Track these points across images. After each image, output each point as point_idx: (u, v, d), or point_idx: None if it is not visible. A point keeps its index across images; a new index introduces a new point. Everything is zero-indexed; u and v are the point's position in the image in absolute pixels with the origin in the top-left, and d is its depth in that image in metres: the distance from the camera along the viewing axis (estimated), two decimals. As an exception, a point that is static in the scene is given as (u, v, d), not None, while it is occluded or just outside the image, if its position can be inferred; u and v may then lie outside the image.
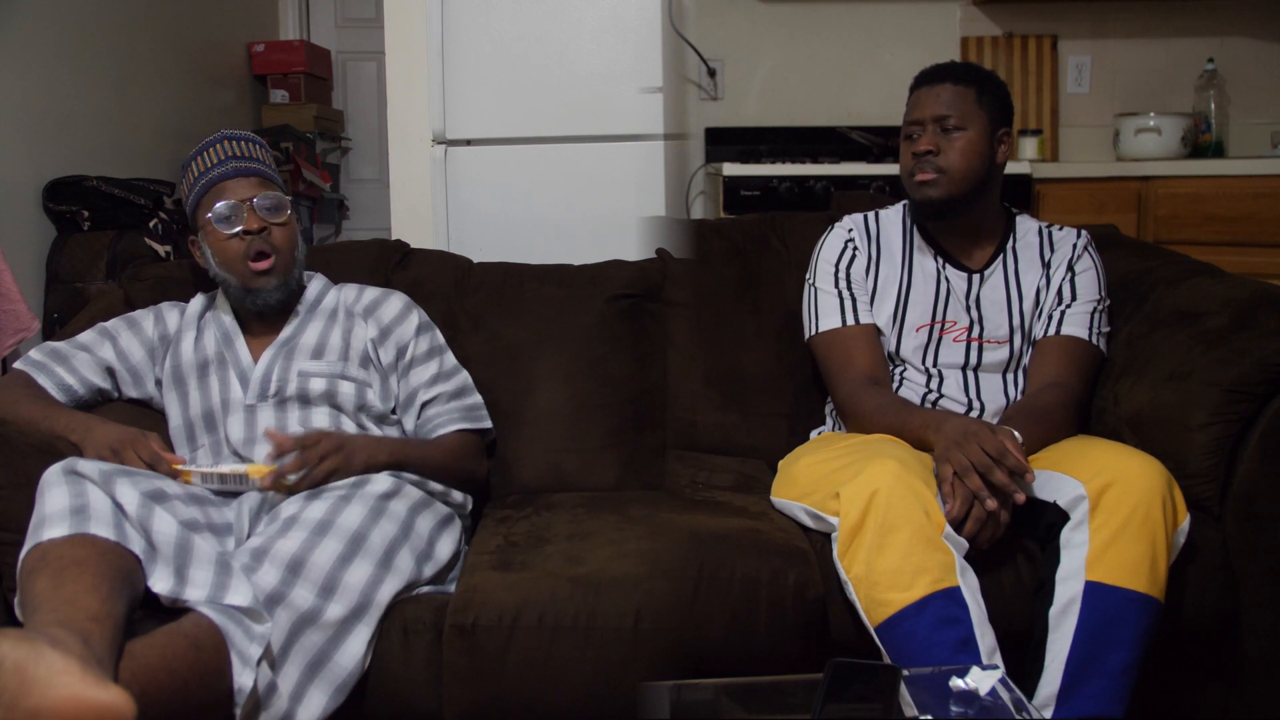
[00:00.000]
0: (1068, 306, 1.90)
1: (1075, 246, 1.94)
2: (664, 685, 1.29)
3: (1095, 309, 1.90)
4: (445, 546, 1.72)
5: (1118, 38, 3.59)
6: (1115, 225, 2.39)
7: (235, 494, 1.69)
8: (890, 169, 3.09)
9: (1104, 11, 3.57)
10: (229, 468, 1.68)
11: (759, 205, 3.06)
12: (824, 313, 1.96)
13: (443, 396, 1.92)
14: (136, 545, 1.42)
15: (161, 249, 3.08)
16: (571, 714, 1.55)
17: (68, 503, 1.42)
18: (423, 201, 2.78)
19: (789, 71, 3.60)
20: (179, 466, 1.67)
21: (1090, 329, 1.89)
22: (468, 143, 2.75)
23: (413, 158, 2.80)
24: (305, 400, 1.83)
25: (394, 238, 2.34)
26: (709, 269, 2.22)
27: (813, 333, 1.98)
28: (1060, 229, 1.99)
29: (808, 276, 2.02)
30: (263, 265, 1.83)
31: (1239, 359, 1.71)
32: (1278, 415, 1.67)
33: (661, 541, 1.66)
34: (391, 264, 2.18)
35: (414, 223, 2.78)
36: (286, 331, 1.90)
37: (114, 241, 3.01)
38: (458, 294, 2.15)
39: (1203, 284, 1.94)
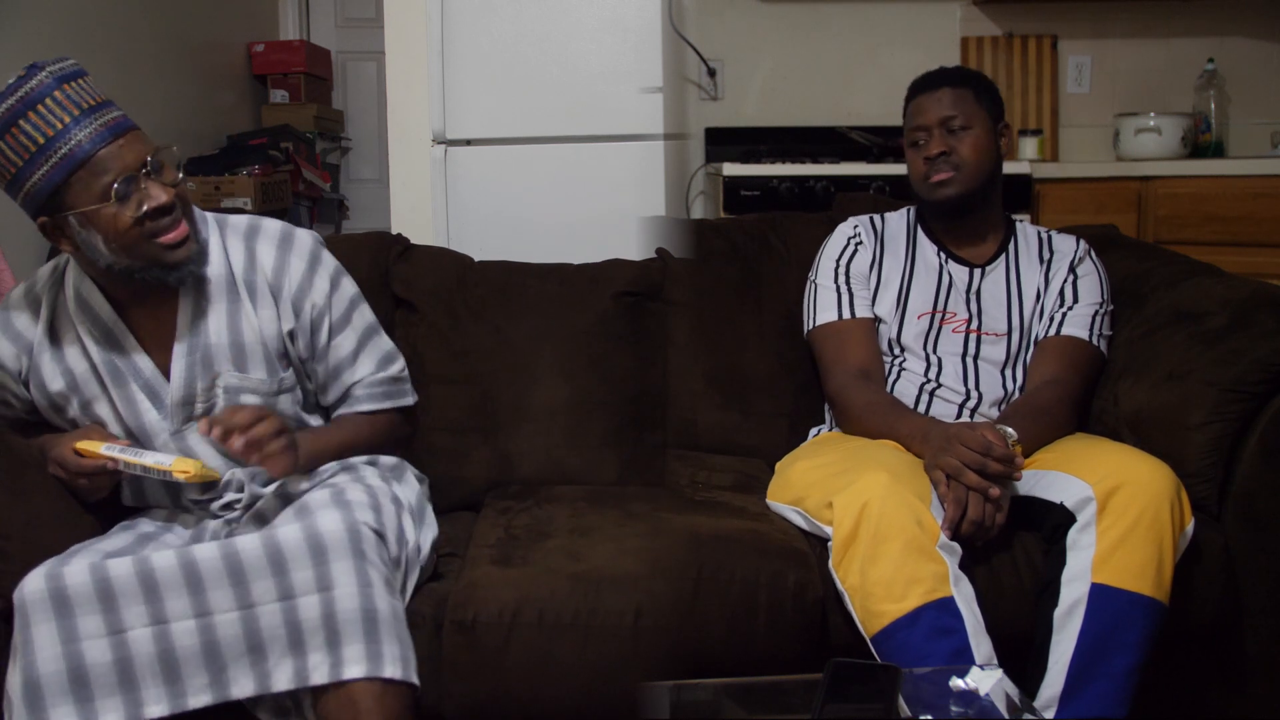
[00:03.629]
0: (1069, 309, 1.91)
1: (1076, 252, 1.96)
2: (664, 685, 1.29)
3: (1097, 311, 1.91)
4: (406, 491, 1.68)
5: (1118, 38, 3.59)
6: (1115, 225, 2.39)
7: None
8: (890, 169, 3.09)
9: (1104, 11, 3.56)
10: (153, 460, 1.51)
11: (759, 205, 3.05)
12: (821, 307, 1.98)
13: (367, 377, 1.70)
14: (153, 701, 1.37)
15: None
16: (571, 712, 1.55)
17: (63, 664, 1.35)
18: (423, 201, 2.77)
19: (789, 71, 3.60)
20: (100, 450, 1.52)
21: (1091, 330, 1.90)
22: (468, 143, 2.75)
23: (413, 158, 2.80)
24: None
25: (394, 237, 2.33)
26: (709, 269, 2.22)
27: (810, 327, 2.00)
28: (1060, 234, 2.02)
29: (810, 274, 2.04)
30: (178, 236, 1.48)
31: (1238, 359, 1.71)
32: (1277, 415, 1.67)
33: (661, 541, 1.66)
34: (392, 257, 2.17)
35: (414, 223, 2.77)
36: (184, 322, 1.56)
37: (114, 241, 3.00)
38: (459, 290, 2.14)
39: (1202, 284, 1.94)
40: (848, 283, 1.97)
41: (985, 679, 1.25)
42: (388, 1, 2.80)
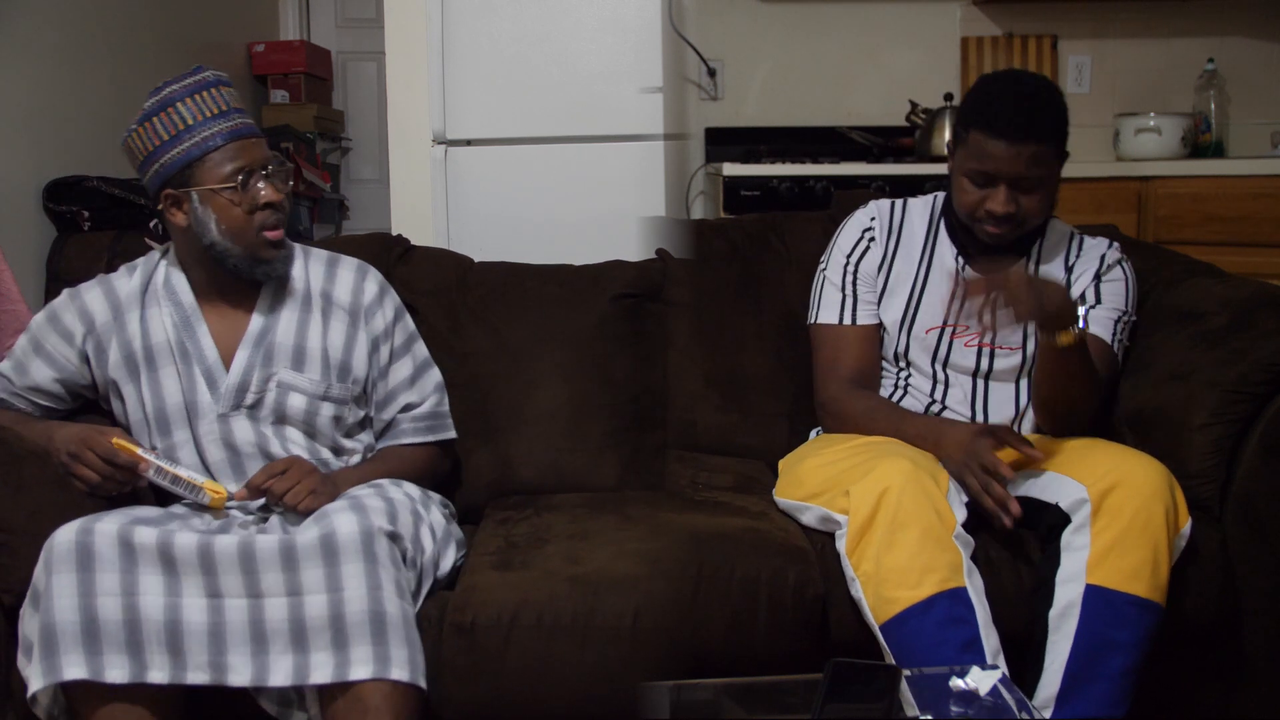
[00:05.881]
0: (1091, 307, 1.83)
1: (1104, 259, 1.86)
2: (664, 685, 1.29)
3: (1119, 318, 1.84)
4: (439, 517, 1.71)
5: (1118, 38, 3.59)
6: (1115, 225, 2.38)
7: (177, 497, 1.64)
8: (890, 169, 3.09)
9: (1104, 11, 3.56)
10: (187, 473, 1.61)
11: (759, 205, 3.06)
12: (825, 305, 1.95)
13: (417, 405, 1.83)
14: (156, 666, 1.41)
15: (162, 249, 3.08)
16: (570, 714, 1.55)
17: (79, 615, 1.40)
18: (423, 201, 2.77)
19: (789, 71, 3.60)
20: (138, 452, 1.58)
21: (1113, 335, 1.83)
22: (468, 143, 2.75)
23: (413, 158, 2.80)
24: (281, 416, 1.71)
25: (394, 237, 2.33)
26: (709, 269, 2.22)
27: (812, 320, 1.98)
28: (1092, 238, 1.91)
29: (822, 259, 1.98)
30: (280, 235, 1.69)
31: (1239, 359, 1.71)
32: (1278, 415, 1.67)
33: (661, 541, 1.66)
34: (393, 259, 2.17)
35: (414, 223, 2.77)
36: (257, 321, 1.72)
37: (114, 241, 3.00)
38: (460, 291, 2.14)
39: (1203, 284, 1.94)
40: (854, 285, 1.92)
41: (985, 679, 1.25)
42: (388, 1, 2.80)
